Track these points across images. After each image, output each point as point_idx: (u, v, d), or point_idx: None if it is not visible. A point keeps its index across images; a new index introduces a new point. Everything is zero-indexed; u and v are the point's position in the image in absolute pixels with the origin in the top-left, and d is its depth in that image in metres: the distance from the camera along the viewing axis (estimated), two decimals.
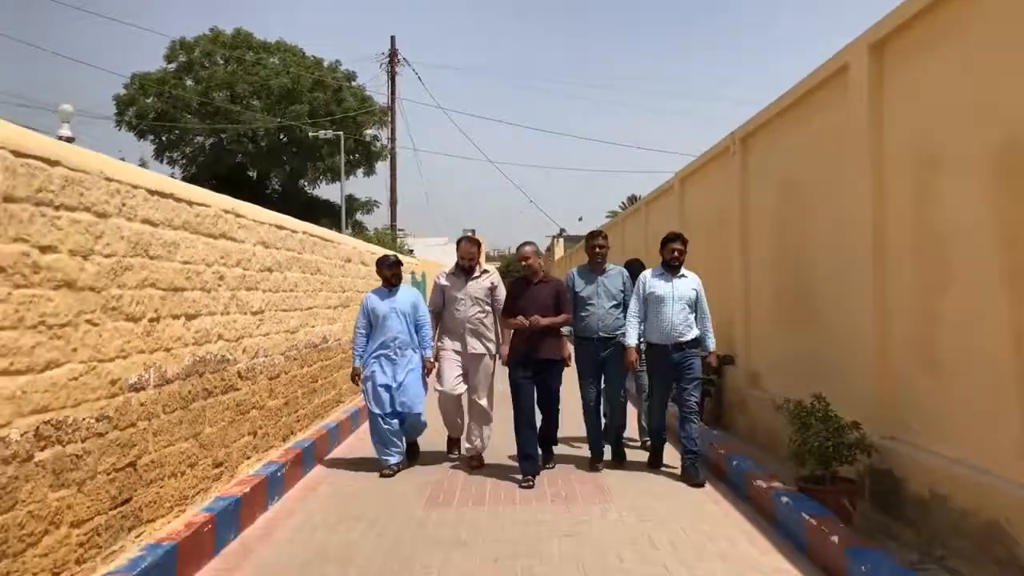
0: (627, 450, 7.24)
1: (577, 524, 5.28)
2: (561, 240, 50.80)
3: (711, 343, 6.77)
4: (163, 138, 32.16)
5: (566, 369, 6.85)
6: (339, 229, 30.15)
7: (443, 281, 7.18)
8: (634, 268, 7.59)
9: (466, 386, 7.02)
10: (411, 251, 28.72)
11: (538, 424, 6.67)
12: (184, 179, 32.01)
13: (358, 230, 35.02)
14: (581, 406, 6.99)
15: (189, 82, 31.99)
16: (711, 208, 9.94)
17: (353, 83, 34.36)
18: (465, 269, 7.09)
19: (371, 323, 7.01)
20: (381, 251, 9.48)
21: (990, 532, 4.10)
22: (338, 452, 7.83)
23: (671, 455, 6.88)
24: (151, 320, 4.32)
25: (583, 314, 6.90)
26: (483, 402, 6.99)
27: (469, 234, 7.66)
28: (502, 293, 7.06)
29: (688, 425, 6.45)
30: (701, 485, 6.21)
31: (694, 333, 6.59)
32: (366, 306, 7.05)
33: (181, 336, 4.72)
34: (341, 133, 29.70)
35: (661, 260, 6.75)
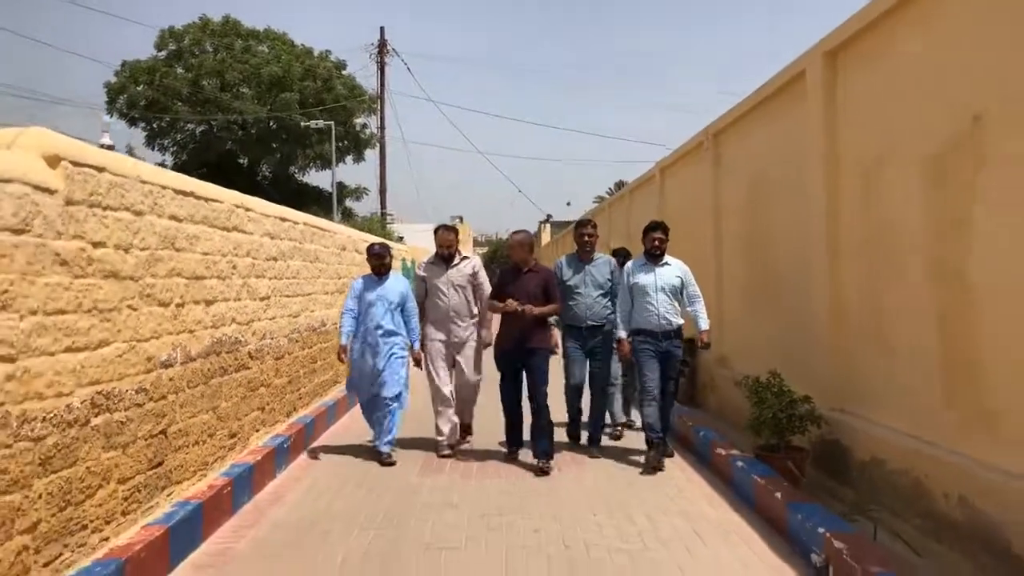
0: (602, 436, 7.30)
1: (555, 489, 5.88)
2: (548, 226, 51.39)
3: (703, 323, 6.74)
4: (154, 125, 32.45)
5: (554, 358, 6.81)
6: (329, 216, 30.62)
7: (423, 271, 7.20)
8: (621, 257, 7.73)
9: (453, 383, 7.14)
10: (401, 238, 29.17)
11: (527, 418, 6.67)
12: (175, 166, 32.36)
13: (347, 217, 35.46)
14: (563, 388, 7.12)
15: (179, 70, 32.25)
16: (688, 199, 10.48)
17: (343, 72, 34.70)
18: (444, 257, 7.11)
19: (359, 308, 7.05)
20: (373, 239, 9.87)
21: (915, 489, 4.71)
22: (336, 427, 8.41)
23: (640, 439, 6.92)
24: (177, 305, 4.87)
25: (570, 303, 6.95)
26: (473, 380, 7.15)
27: (448, 223, 7.68)
28: (484, 278, 7.19)
29: (665, 408, 6.61)
30: (660, 467, 6.33)
31: (679, 321, 6.65)
32: (355, 289, 7.08)
33: (201, 320, 5.27)
34: (332, 123, 30.09)
35: (643, 249, 6.86)
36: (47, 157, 3.53)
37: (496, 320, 6.84)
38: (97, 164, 3.92)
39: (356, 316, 7.01)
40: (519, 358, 6.58)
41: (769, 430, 5.81)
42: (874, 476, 5.20)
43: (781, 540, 4.67)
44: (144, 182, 4.45)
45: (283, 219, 7.49)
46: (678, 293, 6.67)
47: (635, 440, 7.31)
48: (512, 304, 6.38)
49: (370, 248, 7.24)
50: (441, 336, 7.08)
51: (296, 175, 36.46)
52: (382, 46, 30.96)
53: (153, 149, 33.07)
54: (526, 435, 6.74)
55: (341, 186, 35.46)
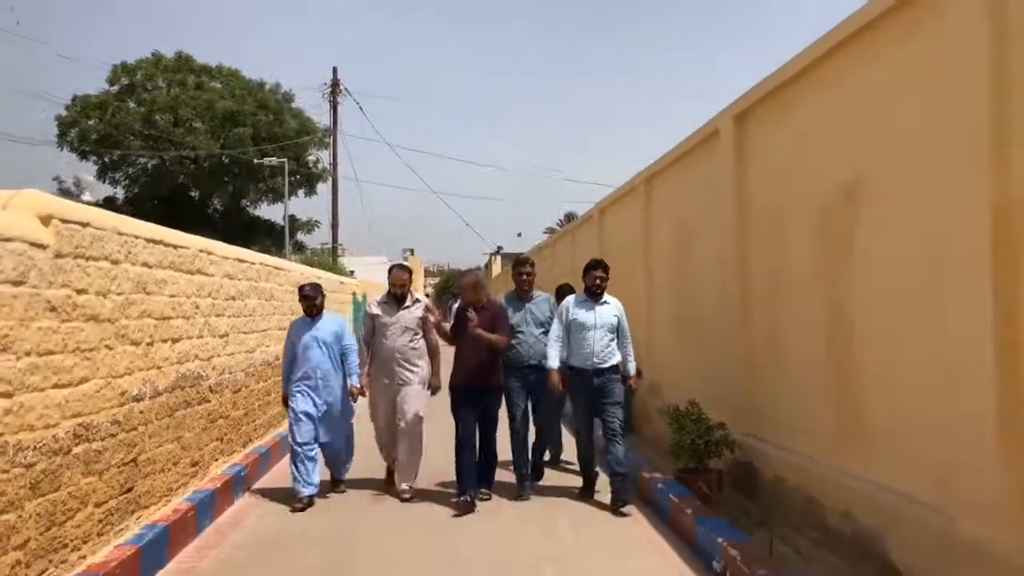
0: (565, 473, 7.58)
1: (493, 512, 6.43)
2: (499, 258, 52.25)
3: (632, 366, 6.90)
4: (105, 159, 32.46)
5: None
6: (281, 249, 30.90)
7: (375, 310, 7.04)
8: (564, 293, 7.76)
9: (398, 421, 6.90)
10: (352, 272, 29.52)
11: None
12: (126, 199, 32.36)
13: (299, 250, 35.71)
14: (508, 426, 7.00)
15: (132, 104, 32.37)
16: (623, 239, 11.15)
17: (293, 104, 35.13)
18: (397, 297, 6.98)
19: (293, 351, 6.92)
20: (327, 276, 10.17)
21: (809, 505, 5.33)
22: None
23: (602, 480, 6.99)
24: (147, 344, 5.35)
25: (512, 342, 6.91)
26: (414, 431, 6.88)
27: (402, 261, 7.87)
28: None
29: (613, 447, 6.43)
30: (626, 511, 6.27)
31: (616, 359, 6.71)
32: (289, 334, 7.00)
33: (168, 356, 5.74)
34: (285, 160, 30.51)
35: (584, 287, 6.90)
36: (41, 217, 4.03)
37: (451, 356, 6.82)
38: (82, 220, 4.42)
39: (293, 359, 6.92)
40: (475, 395, 6.65)
41: (687, 454, 6.42)
42: (777, 493, 5.83)
43: (690, 551, 5.29)
44: (120, 233, 4.95)
45: (241, 260, 7.97)
46: (615, 331, 6.75)
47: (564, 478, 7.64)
48: (472, 317, 6.51)
49: (300, 289, 7.04)
50: (385, 379, 6.94)
51: (248, 208, 36.64)
52: (335, 85, 31.59)
53: (104, 182, 33.07)
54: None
55: (293, 219, 35.75)
